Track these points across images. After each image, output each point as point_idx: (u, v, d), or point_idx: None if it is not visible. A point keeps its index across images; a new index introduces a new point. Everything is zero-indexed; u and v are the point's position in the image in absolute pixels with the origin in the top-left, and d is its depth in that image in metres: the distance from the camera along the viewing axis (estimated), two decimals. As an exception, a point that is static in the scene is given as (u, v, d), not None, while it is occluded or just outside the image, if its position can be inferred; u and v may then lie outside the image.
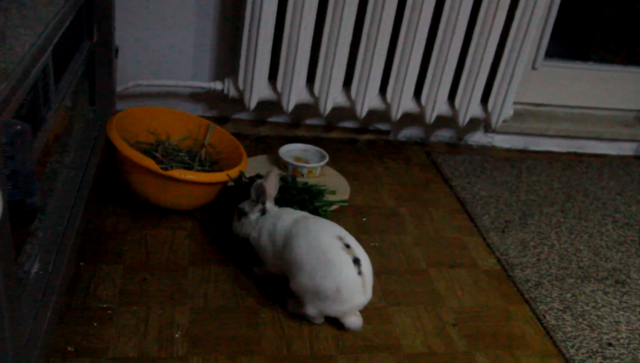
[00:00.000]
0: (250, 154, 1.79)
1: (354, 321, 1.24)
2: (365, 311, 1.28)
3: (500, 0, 1.76)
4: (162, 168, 1.42)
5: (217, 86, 1.83)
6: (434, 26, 1.79)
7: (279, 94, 1.82)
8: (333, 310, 1.22)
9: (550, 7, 1.99)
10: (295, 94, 1.81)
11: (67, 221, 1.19)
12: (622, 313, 1.40)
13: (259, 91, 1.80)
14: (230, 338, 1.18)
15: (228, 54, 1.85)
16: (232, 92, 1.82)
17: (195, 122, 1.69)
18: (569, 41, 2.78)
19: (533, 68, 2.12)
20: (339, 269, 1.19)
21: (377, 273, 1.41)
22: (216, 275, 1.34)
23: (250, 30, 1.70)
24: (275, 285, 1.32)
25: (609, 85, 2.24)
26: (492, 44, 1.82)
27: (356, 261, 1.20)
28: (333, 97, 1.83)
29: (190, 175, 1.43)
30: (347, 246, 1.21)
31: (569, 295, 1.43)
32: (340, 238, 1.22)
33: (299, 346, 1.19)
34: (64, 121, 1.40)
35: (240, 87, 1.79)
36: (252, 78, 1.76)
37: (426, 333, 1.27)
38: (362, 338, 1.23)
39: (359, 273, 1.20)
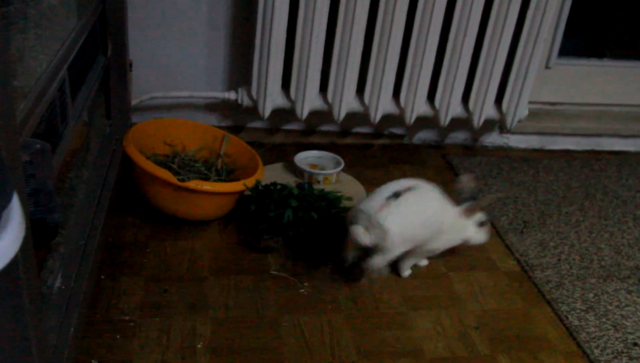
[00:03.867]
0: (266, 162, 1.79)
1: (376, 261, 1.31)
2: (386, 317, 1.29)
3: (512, 0, 1.76)
4: (179, 179, 1.43)
5: (231, 95, 1.84)
6: (445, 28, 1.78)
7: (292, 102, 1.82)
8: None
9: (562, 6, 1.98)
10: (309, 101, 1.81)
11: (88, 236, 1.20)
12: (646, 311, 1.38)
13: (273, 99, 1.81)
14: (252, 348, 1.18)
15: (241, 63, 1.86)
16: (246, 102, 1.83)
17: (211, 133, 1.70)
18: (584, 38, 2.77)
19: (547, 67, 2.10)
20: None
21: (397, 279, 1.42)
22: (236, 285, 1.34)
23: (262, 40, 1.71)
24: (296, 294, 1.32)
25: (625, 81, 2.22)
26: (504, 45, 1.81)
27: (396, 194, 1.31)
28: (347, 103, 1.83)
29: (207, 186, 1.44)
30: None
31: (591, 294, 1.42)
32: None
33: (320, 353, 1.19)
34: (81, 136, 1.41)
35: (254, 96, 1.80)
36: (266, 87, 1.77)
37: (448, 337, 1.27)
38: (383, 344, 1.23)
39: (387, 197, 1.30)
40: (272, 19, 1.68)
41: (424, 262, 1.48)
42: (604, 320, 1.34)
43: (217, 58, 1.86)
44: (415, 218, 1.32)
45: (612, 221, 1.72)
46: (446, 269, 1.46)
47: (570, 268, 1.50)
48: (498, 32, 1.79)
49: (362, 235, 1.28)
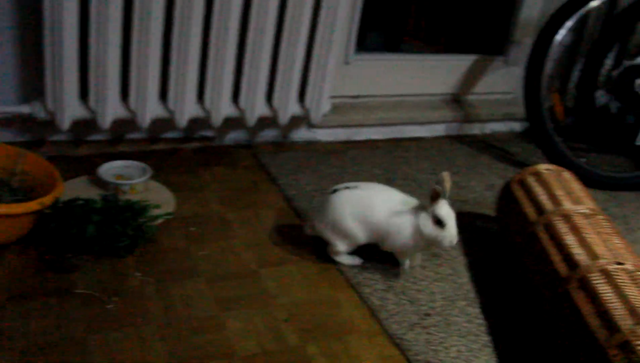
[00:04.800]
0: (70, 176, 1.72)
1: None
2: (198, 322, 1.30)
3: (305, 1, 1.83)
4: (-35, 205, 1.33)
5: (25, 109, 1.74)
6: (243, 30, 1.82)
7: (93, 112, 1.76)
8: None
9: (354, 5, 2.10)
10: (111, 110, 1.77)
11: None
12: (437, 284, 1.52)
13: (71, 110, 1.73)
14: (56, 374, 1.14)
15: (34, 73, 1.75)
16: (42, 115, 1.74)
17: (3, 151, 1.60)
18: (384, 33, 2.96)
19: (346, 63, 2.22)
20: None
21: (209, 282, 1.43)
22: (39, 309, 1.28)
23: (52, 50, 1.64)
24: (104, 311, 1.29)
25: (418, 73, 2.41)
26: (301, 44, 1.89)
27: (334, 190, 1.50)
28: (151, 109, 1.81)
29: (-4, 209, 1.36)
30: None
31: (390, 274, 1.53)
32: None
33: (130, 368, 1.18)
34: None
35: (50, 108, 1.72)
36: (62, 98, 1.70)
37: (259, 333, 1.30)
38: (195, 349, 1.24)
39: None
40: (61, 29, 1.61)
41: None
42: (401, 296, 1.46)
43: (5, 68, 1.74)
44: (337, 209, 1.47)
45: (409, 203, 1.87)
46: (257, 267, 1.50)
47: (373, 251, 1.60)
48: (294, 32, 1.86)
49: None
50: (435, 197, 1.41)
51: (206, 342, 1.26)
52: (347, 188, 1.50)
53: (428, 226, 1.42)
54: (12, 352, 1.17)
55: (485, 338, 1.38)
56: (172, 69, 1.78)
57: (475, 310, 1.45)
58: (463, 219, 1.84)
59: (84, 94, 1.75)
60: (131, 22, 1.68)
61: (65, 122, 1.73)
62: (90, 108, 1.75)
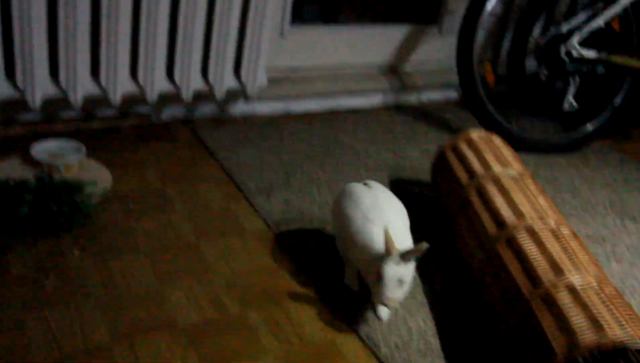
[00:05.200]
0: (1, 158, 1.68)
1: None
2: (138, 296, 1.31)
3: (237, -27, 1.83)
4: None
5: (-51, 89, 1.69)
6: (175, 2, 1.80)
7: (21, 91, 1.72)
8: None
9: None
10: (40, 88, 1.73)
11: None
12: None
13: (-2, 89, 1.69)
14: (-7, 354, 1.13)
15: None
16: (-32, 95, 1.69)
17: None
18: (321, 4, 2.96)
19: (281, 35, 2.22)
20: None
21: (149, 256, 1.43)
22: (-27, 292, 1.26)
23: (-25, 26, 1.59)
24: (41, 289, 1.28)
25: (354, 43, 2.43)
26: (235, 16, 1.88)
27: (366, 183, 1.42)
28: (82, 86, 1.77)
29: None
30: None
31: (328, 243, 1.56)
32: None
33: (71, 345, 1.17)
34: None
35: (-26, 88, 1.67)
36: (-13, 77, 1.65)
37: (200, 304, 1.32)
38: (136, 322, 1.25)
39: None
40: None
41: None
42: (338, 262, 1.50)
43: None
44: (357, 200, 1.35)
45: (347, 173, 1.90)
46: (196, 239, 1.51)
47: (311, 220, 1.64)
48: (227, 3, 1.85)
49: None
50: (389, 246, 1.21)
51: (147, 314, 1.27)
52: (365, 184, 1.41)
53: (373, 273, 1.24)
54: (-54, 335, 1.15)
55: (422, 299, 1.43)
56: (103, 44, 1.75)
57: (411, 272, 1.50)
58: (400, 185, 1.90)
59: (10, 72, 1.70)
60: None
61: (-7, 102, 1.69)
62: (18, 87, 1.71)
